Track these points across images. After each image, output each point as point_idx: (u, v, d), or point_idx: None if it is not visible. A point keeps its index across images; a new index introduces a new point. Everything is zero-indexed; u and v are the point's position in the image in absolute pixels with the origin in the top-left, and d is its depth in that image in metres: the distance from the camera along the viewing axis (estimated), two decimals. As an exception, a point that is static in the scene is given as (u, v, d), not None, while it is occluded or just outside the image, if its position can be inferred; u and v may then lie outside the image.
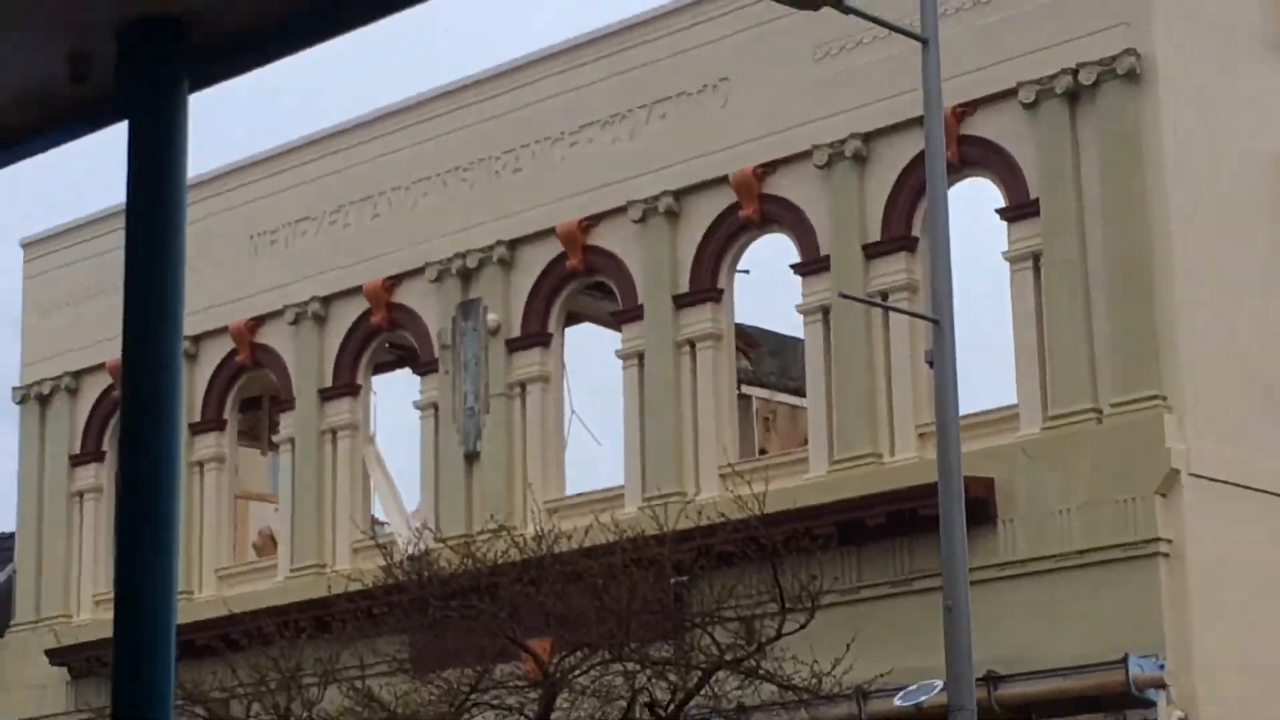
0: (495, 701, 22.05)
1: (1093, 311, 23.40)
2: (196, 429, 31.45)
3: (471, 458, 28.54)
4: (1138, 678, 21.88)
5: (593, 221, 27.92)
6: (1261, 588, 22.91)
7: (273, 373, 31.52)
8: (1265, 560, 23.09)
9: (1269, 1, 25.14)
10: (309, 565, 29.82)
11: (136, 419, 3.24)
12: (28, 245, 35.35)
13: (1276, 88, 25.32)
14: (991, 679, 22.02)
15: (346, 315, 30.54)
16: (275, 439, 32.15)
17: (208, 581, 31.08)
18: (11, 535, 34.80)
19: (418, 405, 29.67)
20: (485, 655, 21.90)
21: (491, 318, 28.65)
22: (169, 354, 3.23)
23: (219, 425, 31.93)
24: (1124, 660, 21.91)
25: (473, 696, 21.89)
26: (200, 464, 31.58)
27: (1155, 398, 22.80)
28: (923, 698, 22.41)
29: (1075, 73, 23.75)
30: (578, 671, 21.57)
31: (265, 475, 34.29)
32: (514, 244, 28.67)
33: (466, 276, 29.07)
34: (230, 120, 31.08)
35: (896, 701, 22.98)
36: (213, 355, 31.69)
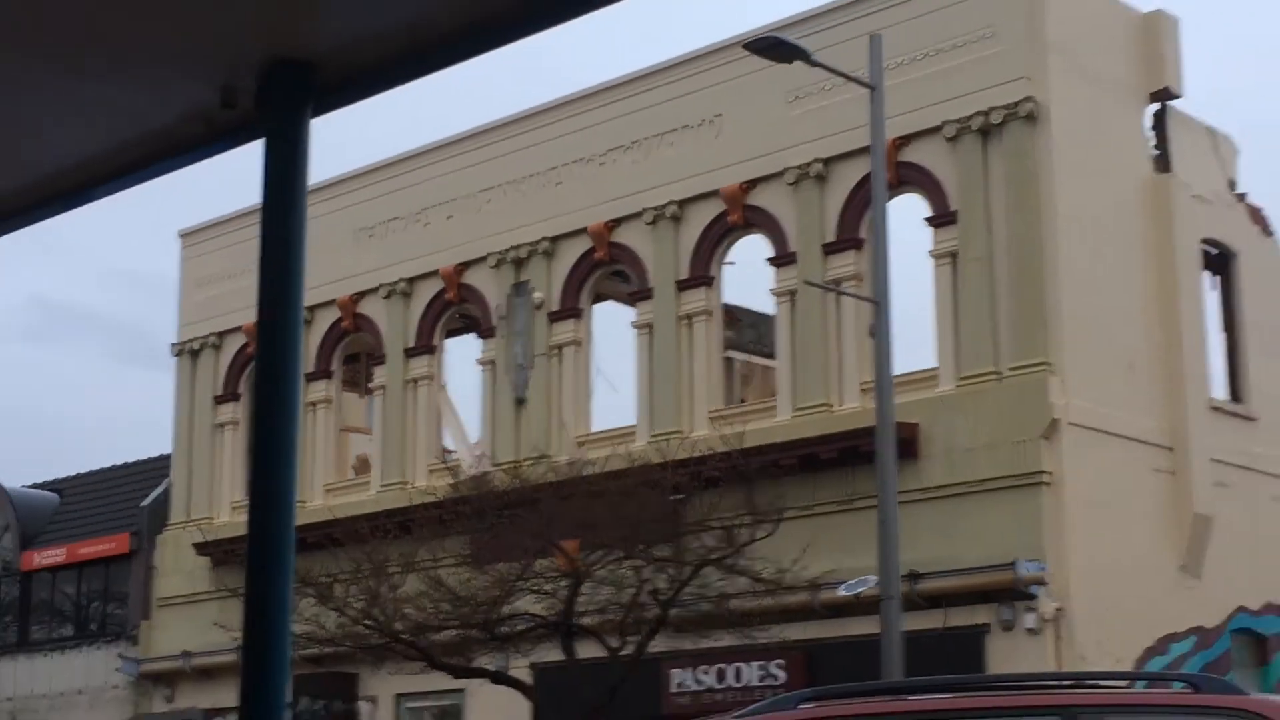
0: (535, 588, 22.07)
1: (996, 297, 23.38)
2: (311, 377, 31.50)
3: (520, 402, 28.55)
4: (1024, 576, 21.92)
5: (615, 223, 27.89)
6: (1119, 508, 22.93)
7: (369, 335, 31.55)
8: (1122, 487, 23.12)
9: (1135, 64, 25.03)
10: (395, 482, 29.87)
11: (268, 369, 3.24)
12: (185, 235, 35.32)
13: (1138, 129, 25.28)
14: (913, 575, 22.02)
15: (426, 292, 30.55)
16: (370, 386, 32.18)
17: (317, 493, 31.12)
18: (169, 456, 34.88)
19: (480, 362, 29.68)
20: (528, 552, 21.92)
21: (537, 295, 28.64)
22: (293, 320, 3.23)
23: (328, 374, 31.95)
24: (1013, 563, 21.94)
25: (518, 583, 21.92)
26: (314, 404, 31.62)
27: (1042, 364, 22.78)
28: (861, 589, 22.44)
29: (987, 114, 23.68)
30: (598, 566, 21.60)
31: (363, 413, 34.32)
32: (555, 239, 28.65)
33: (519, 264, 29.06)
34: (341, 136, 31.07)
35: (840, 591, 23.03)
36: (324, 321, 31.69)
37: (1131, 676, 8.71)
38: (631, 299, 28.23)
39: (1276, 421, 26.25)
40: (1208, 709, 7.52)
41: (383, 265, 30.98)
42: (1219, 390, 25.82)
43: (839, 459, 23.71)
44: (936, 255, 24.28)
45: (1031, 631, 21.88)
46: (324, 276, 29.71)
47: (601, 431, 27.86)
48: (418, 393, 30.43)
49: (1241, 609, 24.61)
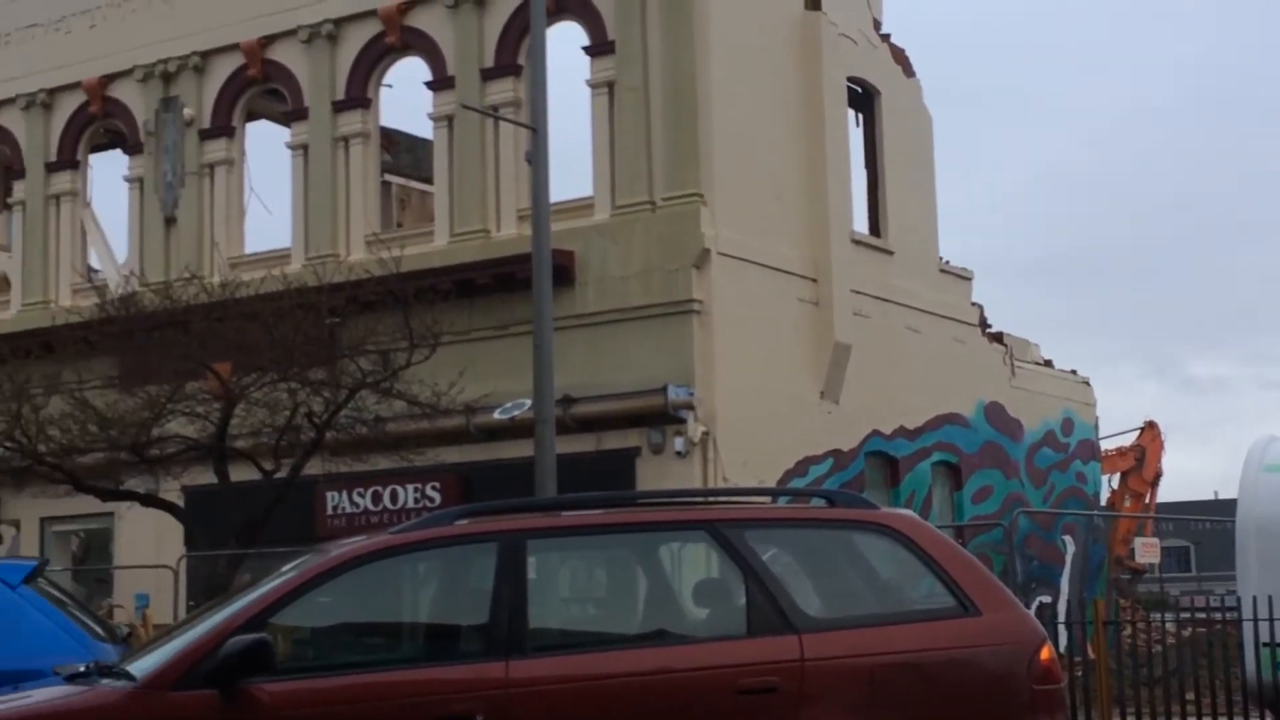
0: (187, 410, 21.60)
1: (651, 127, 23.61)
2: (-57, 191, 29.93)
3: (170, 221, 27.73)
4: (673, 401, 22.49)
5: (269, 40, 27.09)
6: (764, 336, 23.68)
7: (7, 147, 30.02)
8: (767, 316, 23.84)
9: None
10: (36, 301, 28.76)
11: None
12: None
13: (794, -34, 25.66)
14: (567, 400, 22.35)
15: (68, 104, 29.20)
16: (9, 200, 30.66)
17: (-48, 313, 29.74)
18: None
19: (127, 179, 28.60)
20: (179, 374, 21.41)
21: (187, 112, 27.72)
22: None
23: (-38, 189, 30.39)
24: (664, 389, 22.49)
25: (169, 406, 21.42)
26: (-54, 219, 30.08)
27: (694, 195, 23.19)
28: (515, 412, 22.71)
29: (646, -55, 23.67)
30: (252, 388, 21.26)
31: (1, 229, 32.72)
32: (206, 55, 27.73)
33: (167, 78, 28.01)
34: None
35: (496, 415, 23.27)
36: (-43, 132, 30.05)
37: (773, 493, 9.12)
38: (286, 119, 27.53)
39: (911, 255, 27.44)
40: (842, 522, 7.90)
41: (21, 74, 29.44)
42: (860, 224, 26.79)
43: (495, 284, 23.80)
44: (593, 84, 24.33)
45: (680, 454, 22.52)
46: (-44, 85, 28.07)
47: (255, 253, 27.28)
48: (60, 209, 29.20)
49: (875, 432, 25.86)
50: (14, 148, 29.75)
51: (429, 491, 23.93)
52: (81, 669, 7.28)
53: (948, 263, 28.95)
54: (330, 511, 24.54)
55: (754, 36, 24.40)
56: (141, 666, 7.00)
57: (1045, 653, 7.46)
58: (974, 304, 29.39)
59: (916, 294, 27.28)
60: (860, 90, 27.15)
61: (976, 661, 7.37)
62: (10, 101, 29.63)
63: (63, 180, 29.20)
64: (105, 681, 6.96)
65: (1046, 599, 27.72)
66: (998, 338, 29.87)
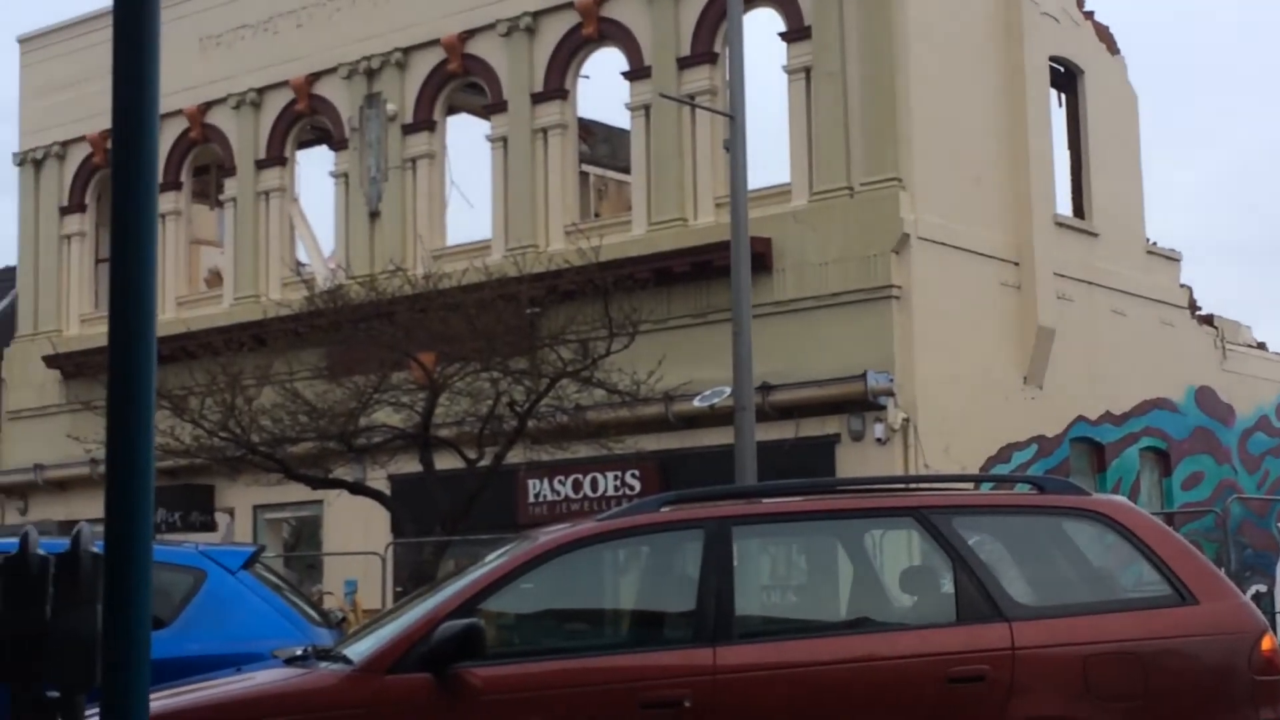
0: (392, 400, 22.03)
1: (849, 112, 23.42)
2: (160, 188, 30.78)
3: (374, 215, 28.26)
4: (873, 388, 22.30)
5: (469, 34, 27.45)
6: (965, 321, 23.36)
7: (219, 146, 30.89)
8: (968, 300, 23.51)
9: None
10: (248, 295, 29.53)
11: (124, 179, 3.14)
12: (24, 41, 34.11)
13: (993, -55, 25.23)
14: (766, 387, 22.33)
15: (276, 103, 29.92)
16: (221, 198, 31.57)
17: (169, 306, 30.62)
18: (13, 269, 34.06)
19: (333, 174, 29.23)
20: (385, 365, 21.84)
21: (390, 107, 28.21)
22: (149, 128, 3.14)
23: (177, 186, 31.32)
24: (864, 375, 22.30)
25: (375, 396, 21.86)
26: (163, 216, 31.00)
27: (893, 179, 22.95)
28: (715, 400, 22.70)
29: (842, -72, 23.48)
30: (455, 378, 21.58)
31: (214, 226, 33.71)
32: (407, 51, 28.16)
33: (370, 75, 28.54)
34: (184, -54, 30.02)
35: (695, 403, 23.29)
36: (172, 131, 30.84)
37: (978, 479, 8.98)
38: (485, 112, 27.88)
39: (1117, 236, 26.85)
40: (1052, 509, 7.76)
41: (231, 75, 30.26)
42: (1063, 206, 26.27)
43: (693, 272, 23.83)
44: (790, 70, 24.22)
45: (880, 441, 22.32)
46: (170, 86, 28.66)
47: (457, 245, 27.69)
48: (269, 205, 29.96)
49: (1081, 418, 25.36)
50: (225, 146, 30.60)
51: (628, 479, 24.08)
52: (299, 652, 7.47)
53: (1155, 244, 28.26)
54: (532, 499, 24.83)
55: (954, 17, 24.06)
56: (357, 650, 7.16)
57: (1267, 643, 7.25)
58: (1183, 286, 28.65)
59: (1122, 276, 26.69)
60: (1063, 70, 26.61)
61: (1195, 651, 7.20)
62: (221, 101, 30.48)
63: (271, 177, 29.96)
64: (323, 665, 7.13)
65: (1262, 588, 26.89)
66: (1208, 320, 29.08)
